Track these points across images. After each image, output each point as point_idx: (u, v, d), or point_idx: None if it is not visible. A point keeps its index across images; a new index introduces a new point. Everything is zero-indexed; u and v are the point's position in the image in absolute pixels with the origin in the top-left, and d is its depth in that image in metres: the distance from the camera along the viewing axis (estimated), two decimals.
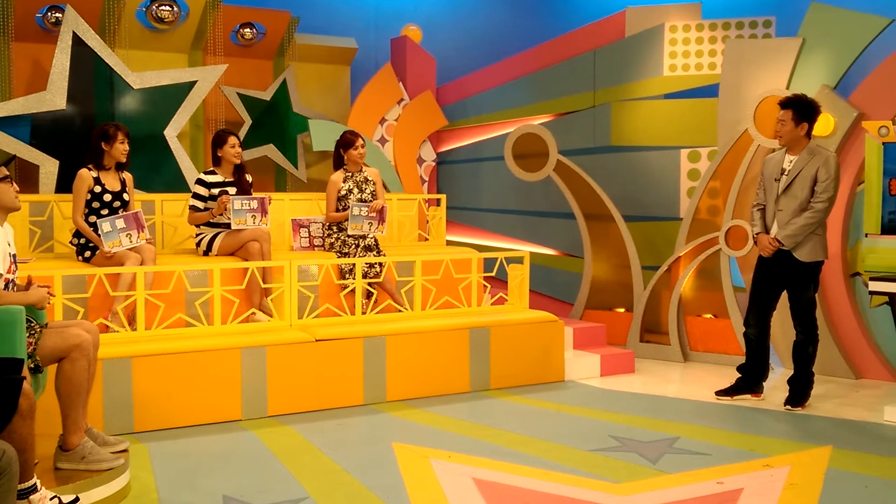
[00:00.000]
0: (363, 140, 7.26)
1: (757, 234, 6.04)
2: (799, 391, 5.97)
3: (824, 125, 6.79)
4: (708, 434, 5.26)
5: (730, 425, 5.51)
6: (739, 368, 6.26)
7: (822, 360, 6.24)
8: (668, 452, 4.86)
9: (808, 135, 5.91)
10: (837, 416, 5.76)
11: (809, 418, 5.71)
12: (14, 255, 4.14)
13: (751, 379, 6.19)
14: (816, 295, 6.01)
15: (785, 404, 5.93)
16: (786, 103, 5.91)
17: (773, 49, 7.19)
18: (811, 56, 7.04)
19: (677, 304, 7.61)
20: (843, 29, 6.89)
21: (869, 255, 5.87)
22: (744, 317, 6.30)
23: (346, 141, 7.20)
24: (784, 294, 6.06)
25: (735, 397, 6.18)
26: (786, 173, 5.91)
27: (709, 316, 7.62)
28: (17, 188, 4.13)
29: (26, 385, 3.46)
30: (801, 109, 5.86)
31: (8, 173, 4.09)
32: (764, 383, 6.19)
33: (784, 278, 5.97)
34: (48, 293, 4.11)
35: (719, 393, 6.23)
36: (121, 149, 6.24)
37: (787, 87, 6.98)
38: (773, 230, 5.95)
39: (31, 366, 3.91)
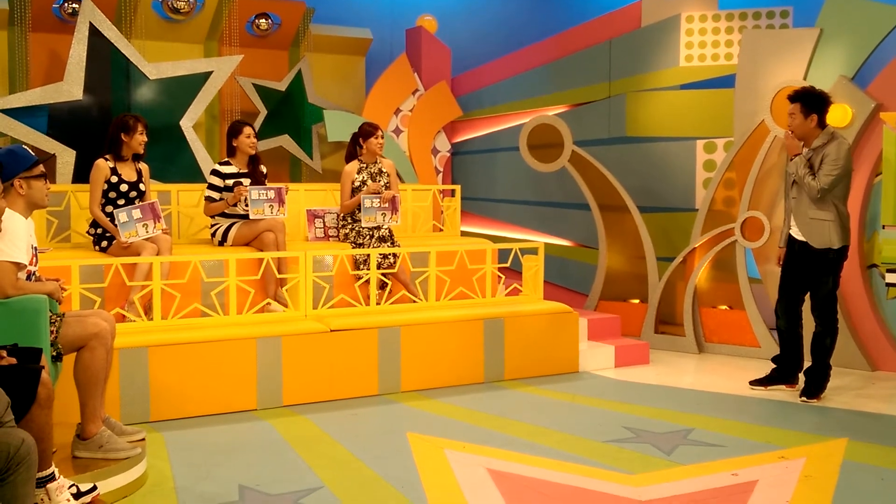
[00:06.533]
0: (382, 131, 7.28)
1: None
2: (815, 383, 5.94)
3: (842, 116, 6.74)
4: (723, 426, 5.25)
5: (745, 417, 5.49)
6: (774, 359, 6.25)
7: (838, 352, 6.20)
8: (683, 444, 4.86)
9: (821, 125, 5.82)
10: (853, 407, 5.74)
11: (825, 410, 5.69)
12: (35, 248, 4.18)
13: (785, 370, 6.18)
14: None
15: (800, 396, 5.92)
16: (794, 97, 5.87)
17: (791, 39, 7.14)
18: (829, 46, 6.99)
19: (692, 296, 7.59)
20: (861, 19, 6.84)
21: (886, 246, 5.85)
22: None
23: (366, 131, 7.20)
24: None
25: (769, 387, 6.18)
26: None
27: (724, 307, 7.60)
28: (49, 186, 4.17)
29: (44, 374, 3.49)
30: (808, 101, 5.81)
31: (45, 171, 4.13)
32: (799, 374, 6.17)
33: (805, 269, 5.94)
34: (60, 286, 4.15)
35: (753, 383, 6.23)
36: (140, 140, 6.27)
37: (805, 78, 6.94)
38: (794, 227, 5.93)
39: (53, 353, 3.95)
